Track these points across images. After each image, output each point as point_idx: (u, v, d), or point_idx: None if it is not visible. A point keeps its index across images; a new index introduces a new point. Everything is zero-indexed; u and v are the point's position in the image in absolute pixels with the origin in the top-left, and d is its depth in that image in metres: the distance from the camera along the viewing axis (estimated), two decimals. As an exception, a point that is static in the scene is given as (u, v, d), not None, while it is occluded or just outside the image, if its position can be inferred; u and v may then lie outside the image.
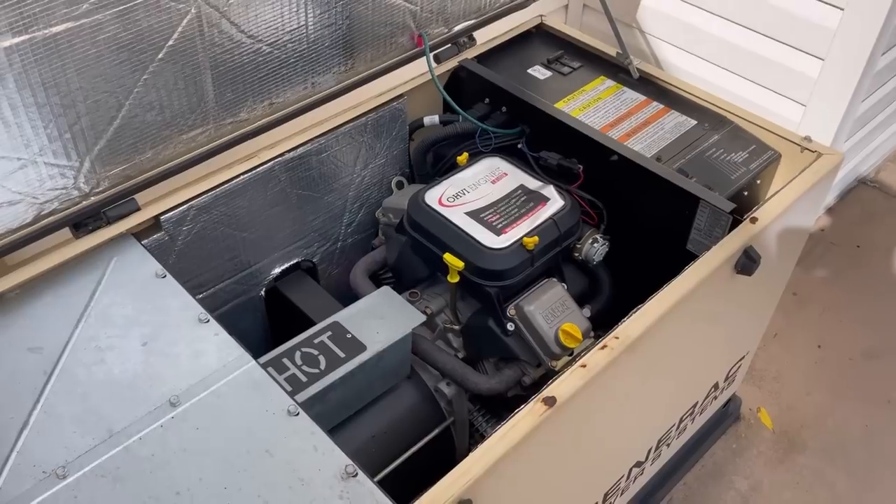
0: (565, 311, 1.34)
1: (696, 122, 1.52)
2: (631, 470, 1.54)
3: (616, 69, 1.65)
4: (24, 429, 0.99)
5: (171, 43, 1.15)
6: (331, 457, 0.98)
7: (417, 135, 1.65)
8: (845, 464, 1.93)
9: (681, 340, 1.29)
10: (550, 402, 1.00)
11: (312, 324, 1.48)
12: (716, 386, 1.71)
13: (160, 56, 1.15)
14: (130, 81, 1.14)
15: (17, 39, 0.98)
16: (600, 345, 1.07)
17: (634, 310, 1.12)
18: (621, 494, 1.59)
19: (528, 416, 0.99)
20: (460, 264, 1.30)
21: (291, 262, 1.56)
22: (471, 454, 0.95)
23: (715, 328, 1.44)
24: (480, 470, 0.93)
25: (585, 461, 1.29)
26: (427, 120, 1.61)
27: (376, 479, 1.19)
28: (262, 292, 1.55)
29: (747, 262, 1.25)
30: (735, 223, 1.30)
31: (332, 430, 1.31)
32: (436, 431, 1.40)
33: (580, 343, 1.31)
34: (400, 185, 1.66)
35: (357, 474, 0.96)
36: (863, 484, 1.89)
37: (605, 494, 1.49)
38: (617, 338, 1.08)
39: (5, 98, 1.02)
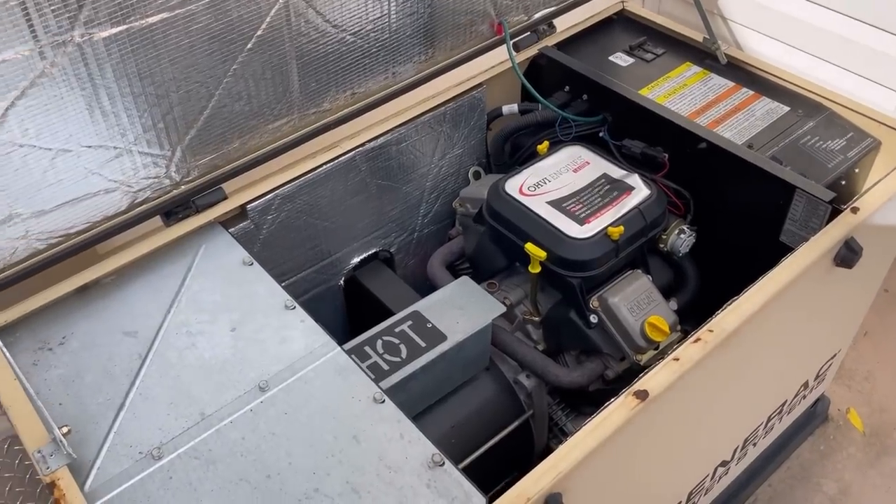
0: (651, 303, 1.31)
1: (788, 108, 1.46)
2: (716, 469, 1.49)
3: (702, 55, 1.60)
4: (120, 410, 1.02)
5: (259, 33, 1.16)
6: (417, 445, 0.98)
7: (495, 124, 1.64)
8: (944, 469, 1.83)
9: (775, 335, 1.24)
10: (642, 395, 0.97)
11: (390, 313, 1.49)
12: (806, 384, 1.64)
13: (249, 46, 1.16)
14: (220, 71, 1.16)
15: (115, 30, 1.01)
16: (693, 338, 1.04)
17: (729, 302, 1.08)
18: (705, 494, 1.54)
19: (619, 409, 0.97)
20: (542, 254, 1.27)
21: (370, 252, 1.57)
22: (560, 447, 0.93)
23: (809, 323, 1.38)
24: (570, 464, 0.91)
25: (674, 458, 1.25)
26: (506, 109, 1.59)
27: (464, 464, 1.18)
28: (342, 281, 1.56)
29: (848, 254, 1.19)
30: (834, 213, 1.24)
31: (413, 420, 1.32)
32: (515, 424, 1.38)
33: (667, 337, 1.27)
34: (477, 175, 1.65)
35: (444, 463, 0.96)
36: (963, 491, 1.79)
37: (690, 493, 1.44)
38: (711, 331, 1.05)
39: (104, 87, 1.05)
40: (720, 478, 1.56)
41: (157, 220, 1.25)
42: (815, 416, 1.89)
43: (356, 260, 1.55)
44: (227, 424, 1.00)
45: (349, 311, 1.61)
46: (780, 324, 1.22)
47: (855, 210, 1.20)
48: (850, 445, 1.89)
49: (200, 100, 1.17)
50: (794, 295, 1.16)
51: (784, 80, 1.51)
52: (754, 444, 1.62)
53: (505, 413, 1.40)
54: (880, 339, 2.10)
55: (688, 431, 1.22)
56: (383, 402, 1.03)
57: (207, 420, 1.01)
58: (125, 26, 1.01)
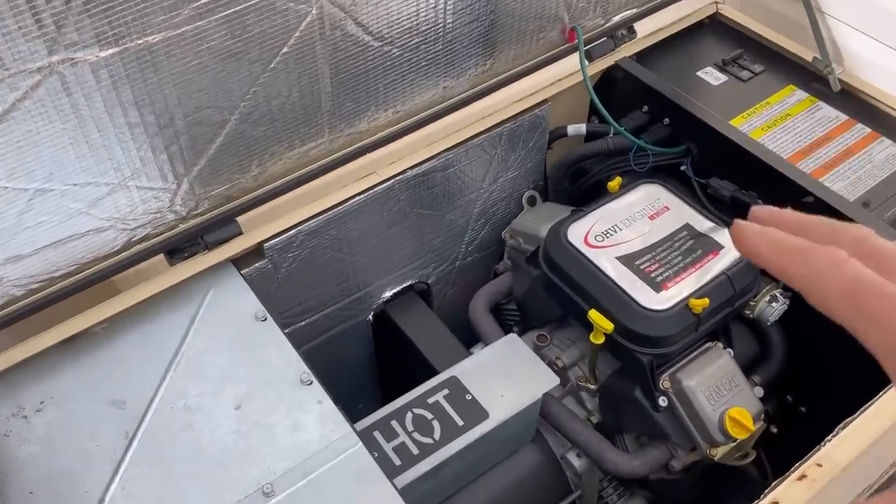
0: (733, 388, 1.10)
1: (915, 154, 1.22)
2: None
3: (809, 76, 1.35)
4: (99, 508, 0.86)
5: (286, 50, 0.95)
6: (449, 588, 0.80)
7: (557, 145, 1.42)
8: None
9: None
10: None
11: (420, 354, 1.32)
12: None
13: (272, 65, 0.96)
14: (237, 94, 0.96)
15: (105, 53, 0.81)
16: (797, 474, 0.83)
17: (842, 426, 0.87)
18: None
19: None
20: (610, 326, 1.07)
21: (404, 286, 1.38)
22: None
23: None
24: None
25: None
26: (571, 129, 1.36)
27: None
28: (370, 317, 1.37)
29: None
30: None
31: (443, 501, 1.15)
32: (560, 504, 1.21)
33: (750, 433, 1.07)
34: (532, 201, 1.44)
35: None
36: None
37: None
38: (820, 465, 0.84)
39: (92, 119, 0.86)
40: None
41: (161, 259, 1.07)
42: None
43: (388, 294, 1.37)
44: (222, 540, 0.84)
45: (377, 347, 1.44)
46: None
47: None
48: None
49: (213, 126, 0.98)
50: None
51: (911, 117, 1.26)
52: None
53: (549, 491, 1.22)
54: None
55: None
56: (410, 522, 0.85)
57: (199, 532, 0.84)
58: (118, 48, 0.81)
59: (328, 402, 0.95)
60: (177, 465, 0.89)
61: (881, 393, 0.91)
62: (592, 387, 1.21)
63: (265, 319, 1.04)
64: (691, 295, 1.08)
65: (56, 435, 0.92)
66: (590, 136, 1.36)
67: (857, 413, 0.88)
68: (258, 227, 1.11)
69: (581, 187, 1.41)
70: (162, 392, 0.96)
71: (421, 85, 1.17)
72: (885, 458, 1.00)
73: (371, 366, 1.46)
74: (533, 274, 1.25)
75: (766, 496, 0.82)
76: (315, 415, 0.94)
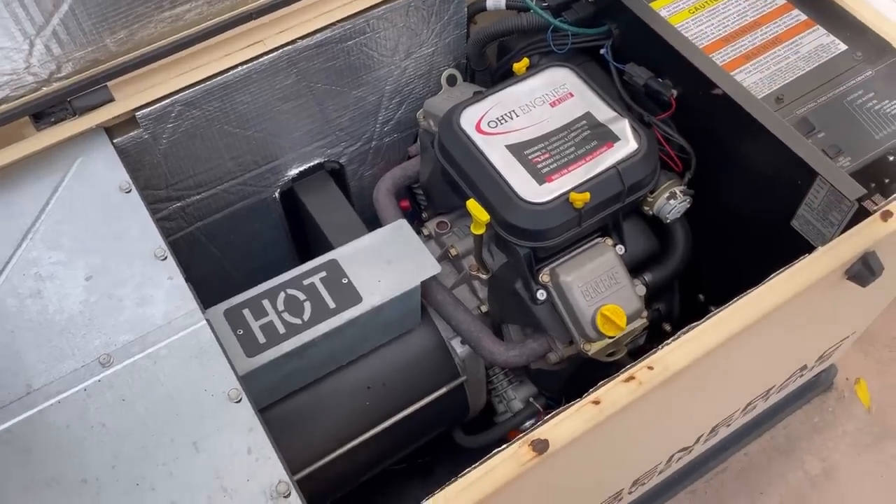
0: (612, 286, 1.07)
1: (846, 46, 1.12)
2: (672, 455, 1.32)
3: (754, -46, 1.23)
4: (-60, 369, 0.87)
5: None
6: (265, 465, 0.82)
7: (480, 18, 1.32)
8: (947, 466, 1.63)
9: (761, 349, 1.01)
10: (540, 447, 0.78)
11: (322, 234, 1.30)
12: (804, 367, 1.42)
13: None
14: (80, -54, 0.89)
15: None
16: (626, 375, 0.82)
17: (713, 313, 0.84)
18: (658, 474, 1.39)
19: (511, 460, 0.78)
20: (486, 217, 1.03)
21: (311, 164, 1.34)
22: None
23: (808, 328, 1.14)
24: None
25: (615, 465, 1.08)
26: (490, 4, 1.27)
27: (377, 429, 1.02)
28: (277, 194, 1.34)
29: (863, 271, 0.93)
30: (860, 211, 0.95)
31: (320, 379, 1.16)
32: (443, 390, 1.22)
33: (622, 331, 1.05)
34: (452, 81, 1.36)
35: (290, 494, 0.80)
36: (963, 495, 1.59)
37: (633, 483, 1.29)
38: (650, 368, 0.82)
39: None
40: (677, 460, 1.39)
41: (28, 124, 1.04)
42: (816, 385, 1.67)
43: (294, 172, 1.33)
44: (55, 405, 0.85)
45: (290, 223, 1.42)
46: (768, 338, 0.99)
47: (887, 216, 0.92)
48: (849, 422, 1.69)
49: (61, -20, 0.91)
50: (788, 312, 0.91)
51: (853, 7, 1.14)
52: (728, 425, 1.43)
53: (437, 374, 1.23)
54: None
55: (637, 442, 1.04)
56: (239, 401, 0.86)
57: (33, 396, 0.85)
58: None
59: (179, 279, 0.94)
60: (20, 331, 0.90)
61: (746, 293, 0.87)
62: (483, 276, 1.18)
63: (129, 191, 1.01)
64: (574, 189, 1.03)
65: None
66: (509, 12, 1.26)
67: (703, 320, 0.85)
68: (131, 96, 1.06)
69: (502, 68, 1.33)
70: (15, 260, 0.95)
71: (310, -55, 1.08)
72: (726, 376, 0.98)
73: (287, 242, 1.45)
74: (435, 159, 1.20)
75: (589, 394, 0.81)
76: (164, 290, 0.93)
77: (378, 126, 1.37)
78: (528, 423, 1.24)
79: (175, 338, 0.90)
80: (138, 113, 1.06)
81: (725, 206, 1.17)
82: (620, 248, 1.11)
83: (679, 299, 1.27)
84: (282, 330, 1.04)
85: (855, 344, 1.75)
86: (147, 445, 0.82)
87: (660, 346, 0.83)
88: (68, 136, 1.03)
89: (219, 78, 1.10)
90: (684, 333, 0.84)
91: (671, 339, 0.84)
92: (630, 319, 1.06)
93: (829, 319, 1.18)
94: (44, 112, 1.03)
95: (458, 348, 1.19)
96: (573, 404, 0.80)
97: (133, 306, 0.92)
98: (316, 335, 1.04)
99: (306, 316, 1.06)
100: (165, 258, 0.96)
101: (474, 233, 1.07)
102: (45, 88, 1.02)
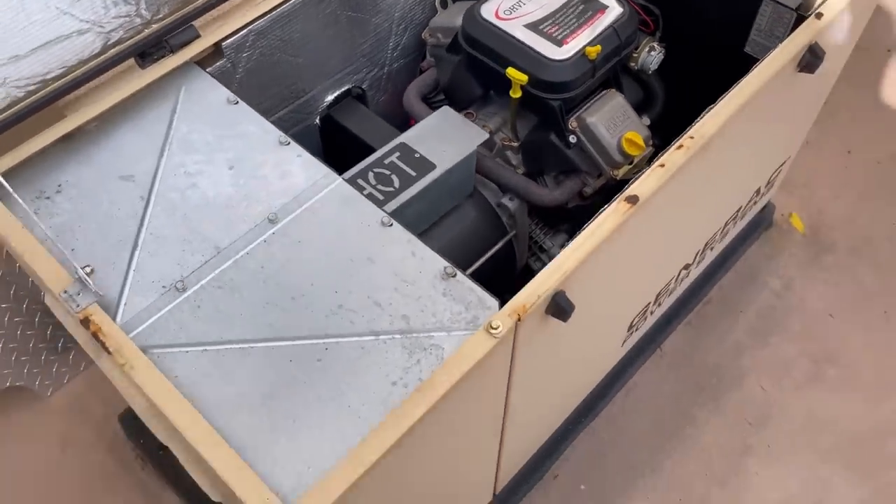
0: (626, 120, 1.37)
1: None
2: (680, 272, 1.63)
3: None
4: (135, 250, 1.04)
5: None
6: (429, 261, 1.05)
7: (459, -53, 1.59)
8: (873, 259, 2.03)
9: (744, 140, 1.32)
10: (633, 200, 1.05)
11: (370, 149, 1.51)
12: (758, 191, 1.76)
13: None
14: None
15: None
16: (676, 145, 1.11)
17: (707, 110, 1.15)
18: (669, 295, 1.69)
19: (612, 214, 1.04)
20: (524, 78, 1.30)
21: (343, 90, 1.56)
22: (563, 251, 1.01)
23: (769, 128, 1.47)
24: (573, 264, 1.00)
25: (652, 259, 1.36)
26: (471, -70, 1.54)
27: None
28: (317, 120, 1.56)
29: (812, 59, 1.26)
30: (798, 20, 1.29)
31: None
32: (499, 244, 1.47)
33: (643, 151, 1.34)
34: (444, 4, 1.62)
35: (456, 274, 1.03)
36: (890, 276, 1.99)
37: (658, 295, 1.58)
38: (692, 137, 1.12)
39: (67, -83, 0.98)
40: (682, 280, 1.70)
41: (132, 64, 1.21)
42: (761, 221, 2.04)
43: (330, 98, 1.55)
44: (244, 256, 1.04)
45: (325, 150, 1.63)
46: (747, 130, 1.30)
47: (819, 16, 1.26)
48: (793, 246, 2.07)
49: (165, -72, 1.11)
50: (762, 101, 1.23)
51: None
52: (711, 248, 1.76)
53: (490, 235, 1.48)
54: (819, 149, 2.24)
55: (667, 234, 1.33)
56: (391, 225, 1.08)
57: (224, 253, 1.04)
58: None
59: (307, 155, 1.15)
60: (190, 213, 1.08)
61: (732, 88, 1.18)
62: (515, 144, 1.45)
63: (237, 103, 1.21)
64: (587, 45, 1.31)
65: (80, 207, 1.08)
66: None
67: (716, 102, 1.15)
68: (214, 30, 1.26)
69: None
70: (163, 165, 1.13)
71: None
72: (749, 135, 1.27)
73: (322, 170, 1.66)
74: (455, 60, 1.46)
75: (657, 160, 1.09)
76: (298, 165, 1.14)
77: (390, 51, 1.61)
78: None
79: (322, 194, 1.11)
80: (224, 43, 1.26)
81: (689, 54, 1.48)
82: (623, 96, 1.41)
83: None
84: (381, 197, 1.26)
85: (781, 188, 2.13)
86: (333, 267, 1.03)
87: (694, 123, 1.13)
88: (170, 70, 1.22)
89: (280, 8, 1.31)
90: (707, 113, 1.14)
91: (699, 117, 1.13)
92: (645, 143, 1.35)
93: (786, 118, 1.52)
94: (146, 52, 1.21)
95: (508, 204, 1.45)
96: (649, 169, 1.08)
97: (277, 180, 1.12)
98: (409, 196, 1.27)
99: (397, 185, 1.29)
100: (289, 143, 1.17)
101: (513, 96, 1.34)
102: (147, 30, 1.20)
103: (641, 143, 1.33)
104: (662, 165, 1.09)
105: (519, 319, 0.95)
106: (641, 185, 1.07)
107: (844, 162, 2.23)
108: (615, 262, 1.14)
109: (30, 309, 1.67)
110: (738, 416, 1.77)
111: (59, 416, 1.79)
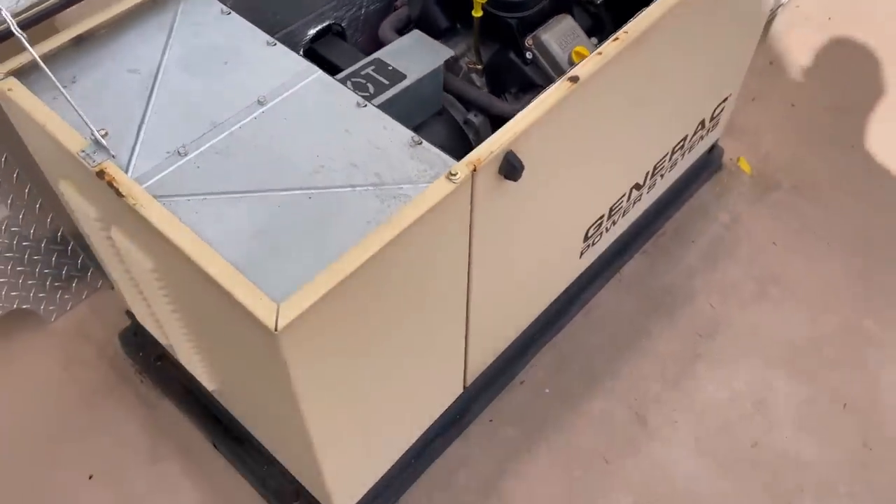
0: (576, 38, 1.54)
1: None
2: (631, 190, 1.79)
3: None
4: (141, 125, 1.20)
5: None
6: (398, 132, 1.21)
7: None
8: (814, 196, 2.21)
9: (678, 45, 1.49)
10: (574, 79, 1.22)
11: (348, 76, 1.67)
12: (702, 124, 1.94)
13: None
14: None
15: None
16: (613, 38, 1.28)
17: (639, 12, 1.32)
18: (623, 215, 1.86)
19: (557, 90, 1.21)
20: (484, -2, 1.48)
21: (324, 25, 1.73)
22: (514, 117, 1.17)
23: (705, 42, 1.64)
24: (522, 127, 1.16)
25: (602, 153, 1.51)
26: None
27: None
28: (301, 52, 1.72)
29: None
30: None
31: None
32: (467, 156, 1.63)
33: (590, 63, 1.51)
34: (415, -49, 1.80)
35: (422, 142, 1.19)
36: (828, 210, 2.18)
37: (611, 210, 1.75)
38: (626, 32, 1.29)
39: None
40: (635, 202, 1.87)
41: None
42: (710, 163, 2.22)
43: (312, 31, 1.72)
44: (237, 129, 1.20)
45: (309, 82, 1.79)
46: (680, 33, 1.47)
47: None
48: (741, 186, 2.25)
49: None
50: (690, 4, 1.40)
51: None
52: (662, 176, 1.93)
53: (457, 148, 1.62)
54: (766, 102, 2.44)
55: (613, 129, 1.49)
56: (366, 106, 1.24)
57: (220, 127, 1.20)
58: None
59: (293, 54, 1.31)
60: (191, 97, 1.24)
61: (664, -5, 1.36)
62: (479, 67, 1.62)
63: (229, 14, 1.37)
64: (539, -31, 1.50)
65: (93, 94, 1.24)
66: None
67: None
68: (208, -47, 1.43)
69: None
70: (165, 61, 1.29)
71: None
72: (683, 41, 1.44)
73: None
74: (423, -5, 1.64)
75: (595, 52, 1.26)
76: (284, 60, 1.30)
77: (366, -8, 1.78)
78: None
79: (307, 81, 1.27)
80: (217, -36, 1.43)
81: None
82: (572, 19, 1.59)
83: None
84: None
85: (730, 136, 2.32)
86: (315, 136, 1.19)
87: (628, 22, 1.30)
88: (170, -14, 1.38)
89: (268, -64, 1.48)
90: (639, 13, 1.32)
91: (634, 17, 1.31)
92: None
93: (719, 36, 1.70)
94: (148, -30, 1.38)
95: (474, 120, 1.61)
96: (588, 56, 1.25)
97: (266, 72, 1.28)
98: (382, 100, 1.43)
99: (371, 91, 1.45)
100: (276, 44, 1.33)
101: (475, 16, 1.51)
102: (149, -51, 1.36)
103: (588, 54, 1.50)
104: (600, 53, 1.26)
105: (475, 170, 1.11)
106: (582, 69, 1.24)
107: (789, 113, 2.43)
108: (562, 135, 1.30)
109: (37, 235, 1.81)
110: (690, 330, 1.94)
111: (61, 338, 1.92)
